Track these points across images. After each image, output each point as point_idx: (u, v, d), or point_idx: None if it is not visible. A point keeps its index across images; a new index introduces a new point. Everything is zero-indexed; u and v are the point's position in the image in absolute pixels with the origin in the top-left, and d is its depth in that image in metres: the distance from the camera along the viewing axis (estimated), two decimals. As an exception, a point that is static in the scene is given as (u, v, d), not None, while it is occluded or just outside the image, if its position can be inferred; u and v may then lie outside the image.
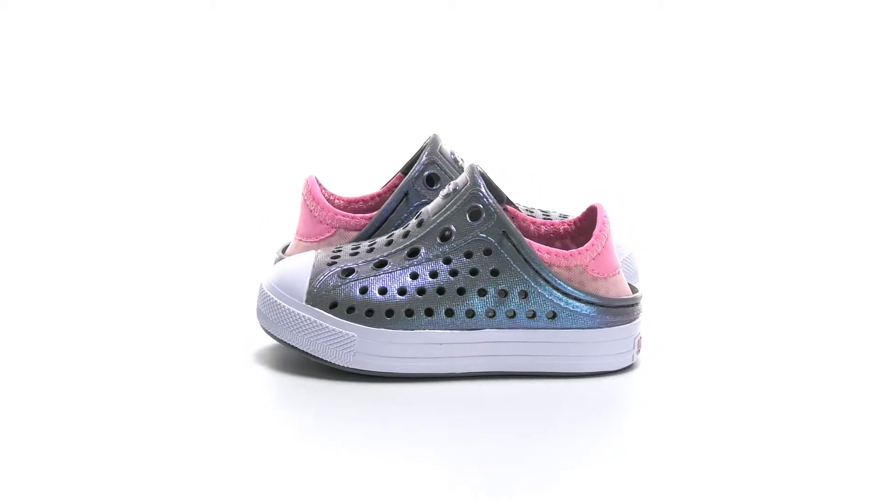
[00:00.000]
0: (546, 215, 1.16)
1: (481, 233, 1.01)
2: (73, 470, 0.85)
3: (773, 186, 1.70)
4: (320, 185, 1.16)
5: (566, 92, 1.85)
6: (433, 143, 1.14)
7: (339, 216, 1.13)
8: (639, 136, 1.83)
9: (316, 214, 1.13)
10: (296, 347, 1.02)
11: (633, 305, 1.04)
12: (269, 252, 1.24)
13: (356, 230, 1.13)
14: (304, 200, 1.14)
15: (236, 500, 0.82)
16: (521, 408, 0.98)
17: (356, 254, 1.04)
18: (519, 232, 1.02)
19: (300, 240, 1.14)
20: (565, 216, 1.18)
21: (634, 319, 1.04)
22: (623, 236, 1.19)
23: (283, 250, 1.17)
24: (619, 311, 1.03)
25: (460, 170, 1.14)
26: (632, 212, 1.46)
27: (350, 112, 1.80)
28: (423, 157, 1.13)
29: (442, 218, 1.03)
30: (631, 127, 1.83)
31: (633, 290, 1.06)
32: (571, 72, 1.86)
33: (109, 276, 1.30)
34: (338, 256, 1.04)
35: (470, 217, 1.02)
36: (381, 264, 1.02)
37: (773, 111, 1.82)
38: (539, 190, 1.40)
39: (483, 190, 1.02)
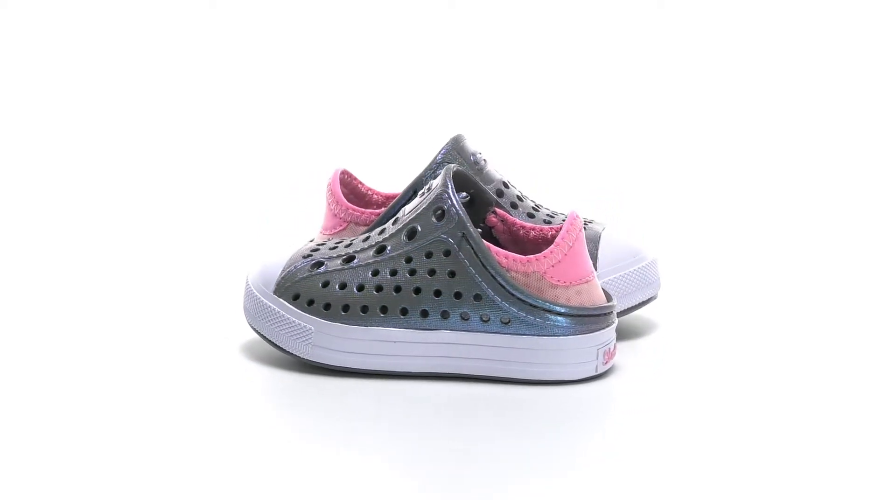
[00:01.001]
0: (550, 217, 1.15)
1: (442, 234, 1.02)
2: (71, 469, 0.87)
3: (799, 191, 1.66)
4: (355, 178, 1.18)
5: (598, 94, 1.82)
6: (453, 142, 1.14)
7: (351, 210, 1.15)
8: (661, 138, 1.79)
9: (332, 208, 1.16)
10: (262, 336, 1.05)
11: (595, 315, 1.02)
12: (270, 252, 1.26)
13: (365, 225, 1.14)
14: (326, 193, 1.17)
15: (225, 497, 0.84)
16: (514, 410, 0.99)
17: (335, 248, 1.06)
18: (478, 235, 1.01)
19: (322, 232, 1.17)
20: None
21: (598, 330, 1.02)
22: (644, 242, 1.17)
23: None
24: (578, 319, 1.02)
25: (479, 171, 1.14)
26: (657, 216, 1.44)
27: (382, 109, 1.80)
28: (438, 156, 1.14)
29: (412, 217, 1.04)
30: (653, 128, 1.80)
31: (608, 298, 1.04)
32: (600, 75, 1.84)
33: (106, 276, 1.32)
34: (317, 249, 1.07)
35: (435, 218, 1.02)
36: (349, 259, 1.04)
37: (799, 112, 1.80)
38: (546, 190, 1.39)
39: (448, 192, 1.02)
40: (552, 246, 1.01)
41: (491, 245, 1.02)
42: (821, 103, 1.81)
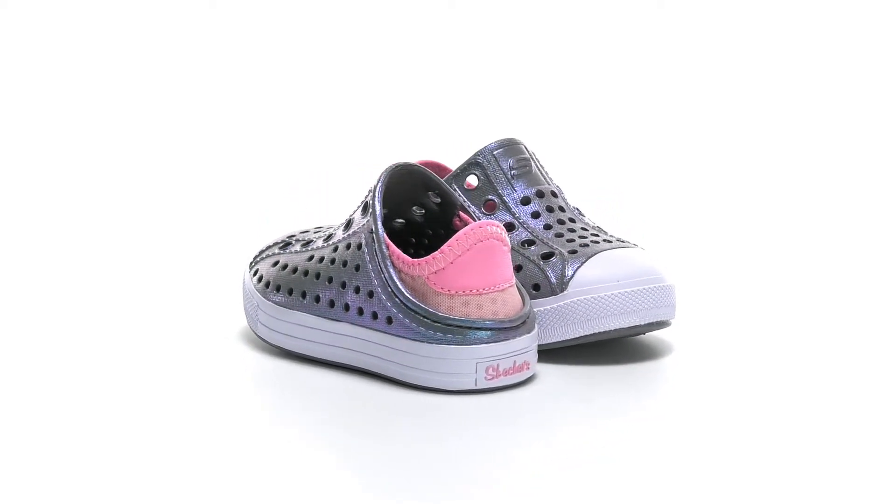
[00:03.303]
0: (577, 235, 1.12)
1: (361, 227, 1.05)
2: (69, 468, 0.87)
3: (799, 192, 1.63)
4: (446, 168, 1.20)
5: (598, 94, 1.79)
6: (490, 147, 1.15)
7: None
8: (661, 138, 1.74)
9: None
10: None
11: (473, 329, 1.00)
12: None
13: None
14: None
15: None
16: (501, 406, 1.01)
17: (317, 232, 1.12)
18: (382, 233, 1.03)
19: None
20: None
21: (477, 343, 1.00)
22: (664, 265, 1.10)
23: None
24: (453, 330, 1.00)
25: (512, 178, 1.14)
26: (656, 216, 1.44)
27: (383, 109, 1.75)
28: (470, 157, 1.15)
29: (354, 209, 1.07)
30: (653, 129, 1.76)
31: (526, 317, 1.02)
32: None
33: (107, 275, 1.33)
34: (306, 232, 1.13)
35: (361, 211, 1.05)
36: (307, 243, 1.10)
37: (799, 113, 1.76)
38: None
39: (374, 187, 1.05)
40: (436, 252, 1.01)
41: (392, 244, 1.03)
42: (821, 104, 1.77)
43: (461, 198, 1.12)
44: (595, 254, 1.08)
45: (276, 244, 1.12)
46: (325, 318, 1.05)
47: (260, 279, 1.10)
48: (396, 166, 1.06)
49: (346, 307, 1.04)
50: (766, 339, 1.16)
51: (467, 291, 1.00)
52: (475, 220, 1.07)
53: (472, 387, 1.01)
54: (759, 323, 1.21)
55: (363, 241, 1.03)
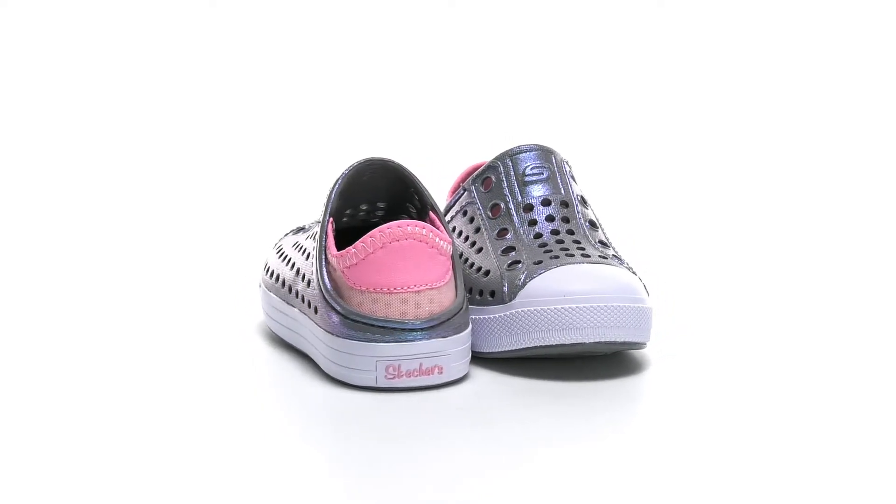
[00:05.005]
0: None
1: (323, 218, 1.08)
2: (70, 468, 0.88)
3: (799, 192, 1.63)
4: None
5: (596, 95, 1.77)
6: (510, 151, 1.13)
7: None
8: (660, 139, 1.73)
9: None
10: None
11: (372, 325, 1.00)
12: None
13: None
14: None
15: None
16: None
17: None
18: (327, 226, 1.05)
19: None
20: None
21: (376, 342, 1.00)
22: (635, 287, 1.04)
23: None
24: (353, 325, 1.00)
25: (525, 183, 1.12)
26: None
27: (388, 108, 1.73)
28: (492, 160, 1.14)
29: None
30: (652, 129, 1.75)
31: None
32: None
33: (125, 274, 1.33)
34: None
35: (325, 202, 1.08)
36: (299, 230, 1.14)
37: (799, 113, 1.76)
38: None
39: (335, 182, 1.07)
40: (351, 247, 1.02)
41: (330, 236, 1.05)
42: (821, 104, 1.77)
43: (465, 199, 1.13)
44: (557, 266, 1.04)
45: (296, 228, 1.16)
46: (286, 302, 1.09)
47: (265, 264, 1.15)
48: (365, 161, 1.08)
49: (297, 294, 1.07)
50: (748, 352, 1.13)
51: (377, 289, 1.01)
52: (443, 222, 1.07)
53: (374, 384, 1.01)
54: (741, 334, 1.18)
55: (317, 232, 1.06)
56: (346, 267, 1.01)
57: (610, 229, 1.16)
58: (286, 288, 1.08)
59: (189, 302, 1.25)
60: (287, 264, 1.09)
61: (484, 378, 1.05)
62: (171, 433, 0.94)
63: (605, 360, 1.08)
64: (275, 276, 1.11)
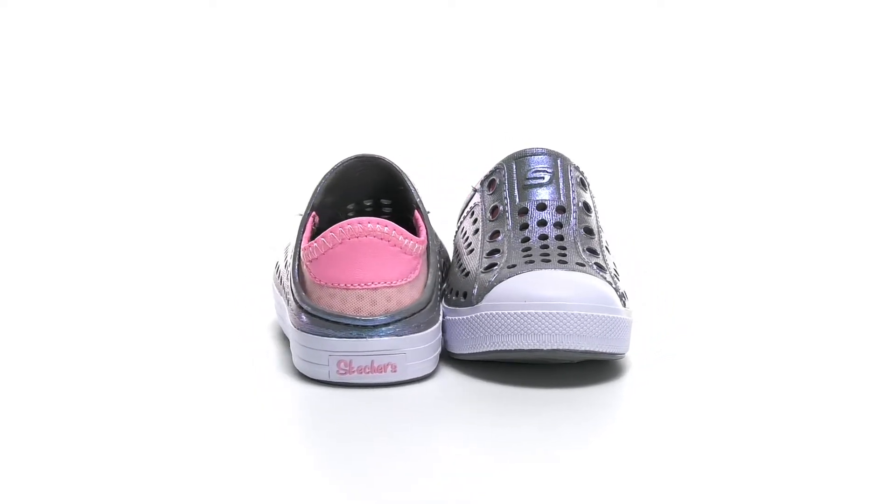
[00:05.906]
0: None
1: None
2: (74, 469, 0.88)
3: (799, 193, 1.63)
4: None
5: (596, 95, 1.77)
6: (516, 154, 1.12)
7: None
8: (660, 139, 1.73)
9: None
10: None
11: (325, 320, 1.01)
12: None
13: None
14: None
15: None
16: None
17: None
18: (307, 218, 1.06)
19: None
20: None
21: (328, 336, 1.01)
22: (606, 296, 1.01)
23: None
24: (313, 319, 1.01)
25: (525, 187, 1.11)
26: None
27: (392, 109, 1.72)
28: (499, 162, 1.13)
29: None
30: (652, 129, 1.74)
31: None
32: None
33: (137, 275, 1.32)
34: None
35: None
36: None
37: (799, 114, 1.75)
38: None
39: (323, 177, 1.09)
40: (313, 241, 1.03)
41: (309, 230, 1.06)
42: (821, 105, 1.76)
43: (475, 200, 1.12)
44: (529, 272, 1.03)
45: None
46: (279, 293, 1.11)
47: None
48: (356, 157, 1.08)
49: (284, 287, 1.09)
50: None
51: (335, 284, 1.01)
52: (425, 221, 1.06)
53: (327, 378, 1.02)
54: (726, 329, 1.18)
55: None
56: (309, 261, 1.02)
57: (615, 234, 1.13)
58: (280, 282, 1.10)
59: (209, 299, 1.27)
60: (284, 259, 1.11)
61: (447, 379, 1.04)
62: (170, 433, 0.95)
63: (594, 366, 1.05)
64: (276, 270, 1.13)
